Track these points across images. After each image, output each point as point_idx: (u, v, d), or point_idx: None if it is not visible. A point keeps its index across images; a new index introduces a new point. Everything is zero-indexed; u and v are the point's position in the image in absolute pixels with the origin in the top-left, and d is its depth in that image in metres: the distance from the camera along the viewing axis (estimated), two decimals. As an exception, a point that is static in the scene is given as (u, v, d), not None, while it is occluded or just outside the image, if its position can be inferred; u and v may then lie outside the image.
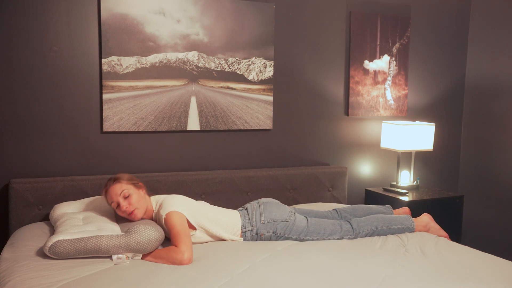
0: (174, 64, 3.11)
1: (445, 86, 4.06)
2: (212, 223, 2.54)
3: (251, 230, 2.60)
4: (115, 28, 2.94)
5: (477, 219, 4.01)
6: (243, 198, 3.21)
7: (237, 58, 3.26)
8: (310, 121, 3.58)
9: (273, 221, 2.61)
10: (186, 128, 3.17)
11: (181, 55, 3.12)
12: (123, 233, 2.27)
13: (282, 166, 3.47)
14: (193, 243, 2.47)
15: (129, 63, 2.99)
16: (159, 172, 3.10)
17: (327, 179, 3.47)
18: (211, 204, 2.85)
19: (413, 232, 2.76)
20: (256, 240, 2.60)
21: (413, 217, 2.85)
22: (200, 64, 3.18)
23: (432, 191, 3.72)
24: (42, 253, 2.21)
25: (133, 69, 3.01)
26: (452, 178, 4.17)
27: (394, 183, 3.73)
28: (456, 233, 3.53)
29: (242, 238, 2.59)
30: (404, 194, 3.52)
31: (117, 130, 3.00)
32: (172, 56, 3.09)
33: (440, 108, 4.05)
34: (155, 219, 2.52)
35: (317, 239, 2.62)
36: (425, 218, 2.85)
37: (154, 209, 2.54)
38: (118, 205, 2.43)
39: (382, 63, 3.75)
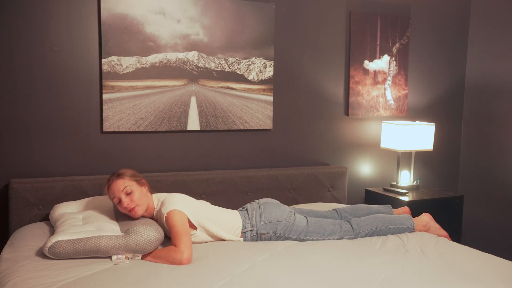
0: (174, 64, 3.11)
1: (445, 86, 4.06)
2: (213, 223, 2.54)
3: (251, 230, 2.60)
4: (115, 28, 2.94)
5: (477, 219, 4.01)
6: (243, 198, 3.21)
7: (237, 58, 3.26)
8: (310, 121, 3.58)
9: (273, 222, 2.61)
10: (186, 128, 3.17)
11: (181, 55, 3.12)
12: (123, 234, 2.27)
13: (282, 166, 3.47)
14: (193, 243, 2.47)
15: (129, 63, 2.99)
16: (159, 172, 3.10)
17: (327, 179, 3.47)
18: (211, 204, 2.85)
19: (413, 231, 2.76)
20: (256, 241, 2.60)
21: (413, 217, 2.85)
22: (200, 64, 3.18)
23: (432, 191, 3.72)
24: (42, 253, 2.21)
25: (133, 69, 3.01)
26: (452, 178, 4.17)
27: (394, 183, 3.73)
28: (456, 233, 3.53)
29: (242, 239, 2.59)
30: (404, 194, 3.52)
31: (117, 130, 3.00)
32: (172, 56, 3.09)
33: (440, 108, 4.05)
34: (156, 217, 2.52)
35: (317, 239, 2.62)
36: (425, 218, 2.85)
37: (155, 207, 2.54)
38: (120, 201, 2.43)
39: (382, 63, 3.75)
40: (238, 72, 3.28)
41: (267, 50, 3.34)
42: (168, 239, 2.42)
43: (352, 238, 2.66)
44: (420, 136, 3.58)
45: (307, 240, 2.61)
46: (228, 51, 3.24)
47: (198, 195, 3.08)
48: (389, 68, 3.78)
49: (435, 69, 4.00)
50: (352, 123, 3.72)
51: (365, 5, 3.66)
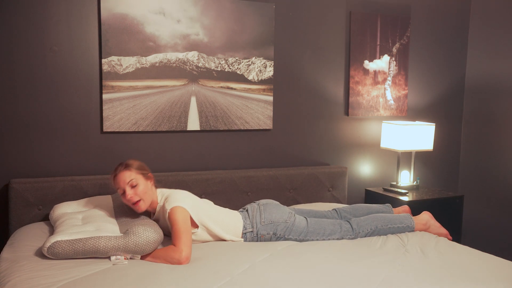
0: (174, 64, 3.11)
1: (445, 86, 4.06)
2: (215, 223, 2.54)
3: (251, 231, 2.60)
4: (115, 28, 2.94)
5: (477, 219, 4.01)
6: (243, 198, 3.21)
7: (237, 58, 3.26)
8: (310, 121, 3.58)
9: (273, 222, 2.61)
10: (186, 128, 3.17)
11: (181, 55, 3.12)
12: (122, 234, 2.27)
13: (282, 166, 3.47)
14: (194, 241, 2.47)
15: (129, 63, 2.99)
16: (159, 172, 3.10)
17: (327, 179, 3.47)
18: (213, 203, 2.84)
19: (413, 230, 2.76)
20: (257, 241, 2.60)
21: (413, 216, 2.85)
22: (200, 64, 3.18)
23: (432, 191, 3.72)
24: (41, 253, 2.21)
25: (133, 69, 3.01)
26: (452, 178, 4.17)
27: (394, 183, 3.73)
28: (456, 233, 3.53)
29: (242, 239, 2.59)
30: (404, 194, 3.52)
31: (117, 130, 3.00)
32: (172, 56, 3.09)
33: (440, 108, 4.05)
34: (159, 212, 2.52)
35: (317, 239, 2.62)
36: (425, 216, 2.85)
37: (159, 202, 2.53)
38: (124, 192, 2.42)
39: (382, 63, 3.75)
40: (238, 72, 3.28)
41: (267, 50, 3.34)
42: (169, 238, 2.42)
43: (352, 238, 2.66)
44: (420, 136, 3.58)
45: (307, 240, 2.61)
46: (228, 51, 3.24)
47: (198, 195, 3.07)
48: (389, 68, 3.78)
49: (435, 69, 4.00)
50: (352, 123, 3.72)
51: (365, 5, 3.66)
